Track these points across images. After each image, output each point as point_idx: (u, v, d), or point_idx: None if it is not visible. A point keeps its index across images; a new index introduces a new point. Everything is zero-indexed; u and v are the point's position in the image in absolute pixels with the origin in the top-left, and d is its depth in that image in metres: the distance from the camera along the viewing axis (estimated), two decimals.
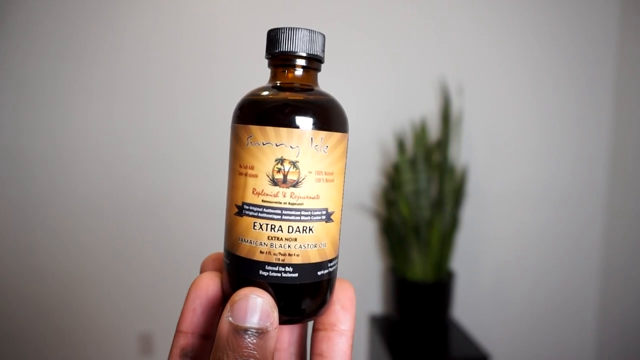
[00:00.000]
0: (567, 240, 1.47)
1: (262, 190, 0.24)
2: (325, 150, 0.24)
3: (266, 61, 0.28)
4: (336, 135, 0.25)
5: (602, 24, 1.43)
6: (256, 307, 0.21)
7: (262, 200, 0.24)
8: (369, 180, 1.39)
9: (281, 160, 0.24)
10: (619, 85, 1.43)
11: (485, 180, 1.41)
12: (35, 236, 1.35)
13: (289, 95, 0.26)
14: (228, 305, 0.21)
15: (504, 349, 1.43)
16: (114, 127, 1.35)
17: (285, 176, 0.24)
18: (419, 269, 1.22)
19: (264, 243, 0.24)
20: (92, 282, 1.37)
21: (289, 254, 0.24)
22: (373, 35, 1.38)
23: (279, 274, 0.24)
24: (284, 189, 0.24)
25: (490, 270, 1.45)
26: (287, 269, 0.24)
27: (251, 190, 0.24)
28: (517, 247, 1.46)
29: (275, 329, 0.22)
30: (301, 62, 0.26)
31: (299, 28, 0.26)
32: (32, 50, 1.31)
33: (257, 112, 0.25)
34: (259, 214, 0.24)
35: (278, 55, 0.26)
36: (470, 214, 1.38)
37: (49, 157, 1.34)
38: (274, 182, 0.24)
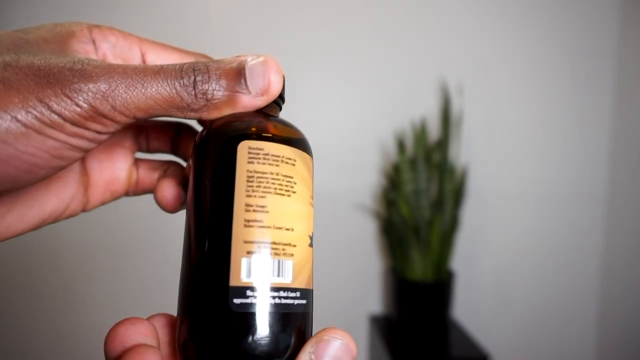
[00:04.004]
0: (567, 241, 1.47)
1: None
2: None
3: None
4: None
5: (603, 24, 1.43)
6: (343, 351, 0.22)
7: (312, 232, 0.26)
8: (369, 180, 1.39)
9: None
10: (621, 86, 1.43)
11: (485, 180, 1.41)
12: (35, 236, 1.35)
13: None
14: (313, 342, 0.22)
15: (504, 349, 1.43)
16: None
17: None
18: (419, 269, 1.22)
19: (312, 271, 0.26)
20: (92, 282, 1.37)
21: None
22: (373, 34, 1.37)
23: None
24: None
25: (491, 271, 1.45)
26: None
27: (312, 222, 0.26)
28: (518, 247, 1.46)
29: None
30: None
31: None
32: None
33: (309, 147, 0.26)
34: (313, 244, 0.26)
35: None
36: (470, 214, 1.38)
37: None
38: None
